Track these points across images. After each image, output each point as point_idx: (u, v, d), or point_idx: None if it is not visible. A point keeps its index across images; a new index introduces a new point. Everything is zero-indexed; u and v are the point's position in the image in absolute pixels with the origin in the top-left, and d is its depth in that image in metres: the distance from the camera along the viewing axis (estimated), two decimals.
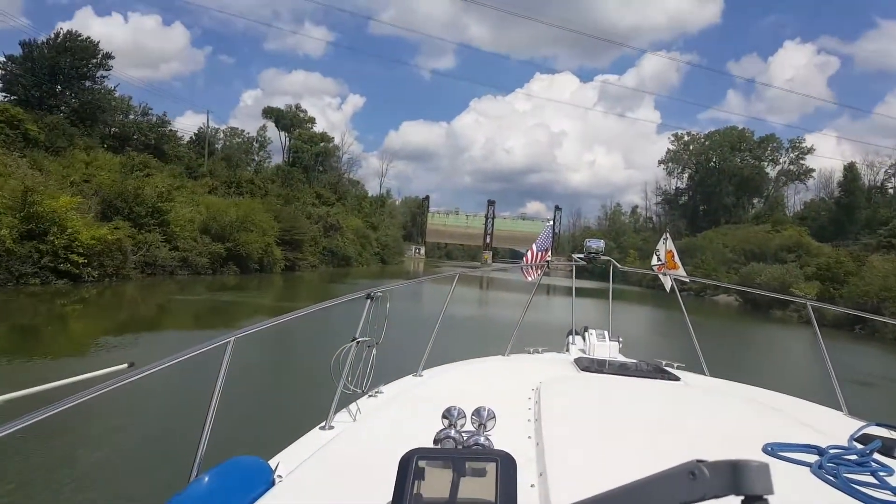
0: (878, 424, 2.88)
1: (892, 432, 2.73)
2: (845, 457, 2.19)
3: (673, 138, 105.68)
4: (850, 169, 79.98)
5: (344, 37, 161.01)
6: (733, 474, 0.62)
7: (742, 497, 0.62)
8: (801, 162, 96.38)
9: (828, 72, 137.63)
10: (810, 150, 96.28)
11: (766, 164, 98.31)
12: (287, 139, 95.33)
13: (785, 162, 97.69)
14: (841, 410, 3.57)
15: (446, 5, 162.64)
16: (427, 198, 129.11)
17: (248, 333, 2.56)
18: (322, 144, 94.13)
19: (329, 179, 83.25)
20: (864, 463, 2.16)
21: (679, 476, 0.65)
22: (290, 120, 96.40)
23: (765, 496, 0.62)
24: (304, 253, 51.02)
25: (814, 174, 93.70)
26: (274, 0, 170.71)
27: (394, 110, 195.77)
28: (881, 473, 2.06)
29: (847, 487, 1.91)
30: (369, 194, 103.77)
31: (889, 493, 1.90)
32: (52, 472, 7.04)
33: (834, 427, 2.81)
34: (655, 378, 3.86)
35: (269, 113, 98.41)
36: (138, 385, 2.20)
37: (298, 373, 12.98)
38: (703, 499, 0.63)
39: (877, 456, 2.27)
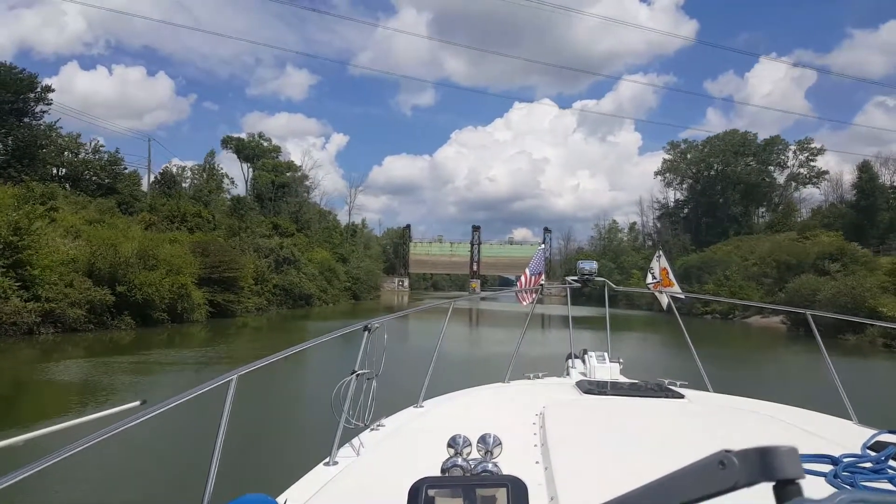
0: (890, 432, 2.84)
1: None
2: (860, 465, 2.20)
3: (668, 147, 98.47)
4: (865, 168, 72.24)
5: (325, 79, 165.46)
6: (763, 460, 0.61)
7: (773, 483, 0.62)
8: (812, 164, 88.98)
9: (804, 84, 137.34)
10: (821, 151, 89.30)
11: (773, 168, 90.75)
12: (250, 170, 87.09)
13: (794, 165, 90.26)
14: (850, 419, 3.57)
15: (423, 44, 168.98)
16: (408, 227, 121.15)
17: (250, 371, 2.62)
18: (289, 174, 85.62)
19: (289, 208, 73.73)
20: (880, 470, 2.17)
21: (709, 467, 0.64)
22: (252, 150, 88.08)
23: (796, 480, 0.61)
24: (238, 294, 40.65)
25: (827, 176, 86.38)
26: (255, 47, 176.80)
27: (377, 146, 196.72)
28: None
29: None
30: (342, 224, 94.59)
31: (890, 493, 1.90)
32: None
33: (845, 436, 2.83)
34: (659, 397, 3.91)
35: (228, 143, 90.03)
36: (146, 423, 2.14)
37: (300, 407, 13.59)
38: (735, 487, 0.62)
39: (892, 462, 2.27)
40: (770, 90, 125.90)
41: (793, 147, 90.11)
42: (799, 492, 0.61)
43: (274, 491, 2.21)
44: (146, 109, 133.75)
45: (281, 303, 50.42)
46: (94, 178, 59.00)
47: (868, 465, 2.20)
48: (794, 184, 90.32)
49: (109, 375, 17.16)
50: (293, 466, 2.85)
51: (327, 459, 2.76)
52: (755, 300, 42.59)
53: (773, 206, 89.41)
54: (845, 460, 2.19)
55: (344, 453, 2.83)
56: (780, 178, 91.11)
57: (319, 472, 2.62)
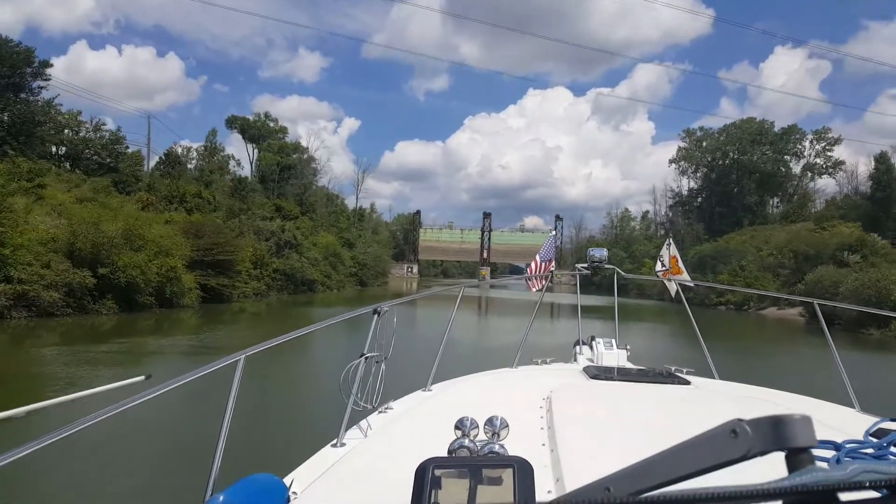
0: (892, 419, 2.85)
1: None
2: (862, 451, 2.22)
3: (684, 134, 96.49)
4: (882, 160, 70.16)
5: (338, 61, 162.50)
6: (775, 429, 0.61)
7: (786, 451, 0.62)
8: (829, 154, 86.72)
9: (819, 76, 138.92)
10: (838, 141, 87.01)
11: (788, 157, 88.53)
12: (255, 151, 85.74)
13: (810, 155, 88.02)
14: (853, 407, 3.64)
15: (437, 27, 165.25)
16: (418, 213, 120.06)
17: (258, 351, 2.61)
18: (295, 156, 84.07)
19: (294, 191, 72.29)
20: (882, 456, 2.19)
21: (721, 436, 0.64)
22: (258, 130, 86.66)
23: (809, 448, 0.61)
24: (233, 279, 38.97)
25: (844, 167, 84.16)
26: (267, 28, 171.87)
27: (389, 131, 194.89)
28: None
29: None
30: (350, 208, 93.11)
31: None
32: (66, 491, 7.20)
33: (847, 423, 2.90)
34: (665, 383, 3.91)
35: (233, 122, 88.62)
36: (150, 403, 2.16)
37: (308, 389, 13.64)
38: (747, 456, 0.62)
39: (894, 449, 2.29)
40: (784, 81, 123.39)
41: (810, 136, 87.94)
42: (811, 460, 0.61)
43: (281, 471, 2.21)
44: (156, 90, 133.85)
45: (282, 288, 48.86)
46: (94, 156, 57.84)
47: (870, 450, 2.23)
48: (809, 174, 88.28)
49: (67, 366, 15.79)
50: (300, 447, 2.92)
51: (335, 441, 2.77)
52: (772, 291, 40.94)
53: (788, 197, 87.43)
54: (848, 446, 2.21)
55: (351, 435, 2.84)
56: (796, 168, 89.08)
57: (327, 454, 2.64)
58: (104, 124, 60.46)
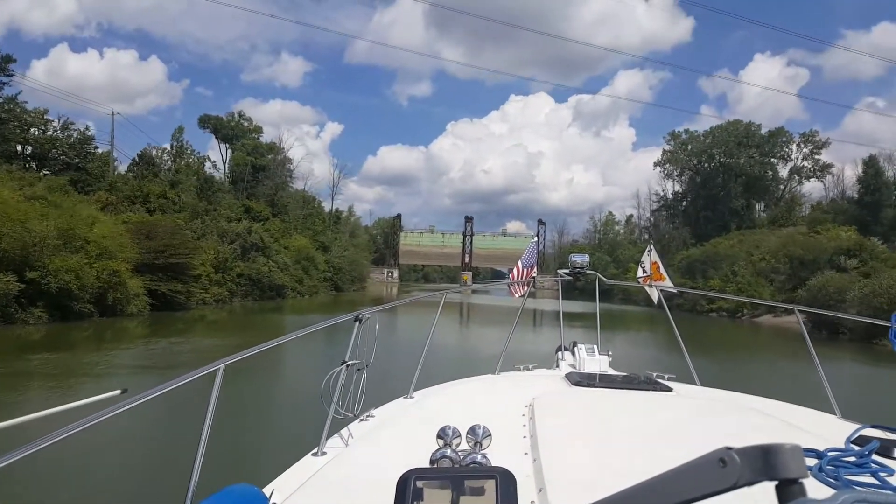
0: (872, 426, 2.88)
1: (888, 433, 2.75)
2: (844, 459, 2.22)
3: (669, 137, 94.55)
4: (870, 163, 69.34)
5: (321, 66, 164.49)
6: (765, 458, 0.59)
7: (776, 482, 0.60)
8: (817, 157, 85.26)
9: (797, 83, 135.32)
10: (825, 144, 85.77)
11: (775, 161, 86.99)
12: (228, 151, 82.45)
13: (797, 158, 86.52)
14: (834, 414, 3.66)
15: (420, 32, 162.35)
16: (399, 216, 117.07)
17: (237, 360, 2.57)
18: (270, 157, 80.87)
19: (266, 191, 69.20)
20: (863, 464, 2.19)
21: (709, 465, 0.62)
22: (231, 130, 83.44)
23: (800, 479, 0.59)
24: (188, 284, 35.65)
25: (832, 170, 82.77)
26: (250, 32, 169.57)
27: (372, 136, 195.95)
28: (882, 474, 2.12)
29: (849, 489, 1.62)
30: (327, 211, 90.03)
31: (891, 492, 1.92)
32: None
33: (829, 430, 2.90)
34: (647, 390, 3.89)
35: (206, 122, 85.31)
36: (130, 412, 2.12)
37: (288, 398, 13.21)
38: (736, 486, 0.60)
39: (875, 457, 2.29)
40: (762, 89, 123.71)
41: (797, 139, 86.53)
42: (803, 492, 0.59)
43: (261, 482, 2.19)
44: (138, 94, 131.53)
45: (247, 294, 45.71)
46: (62, 156, 55.02)
47: (851, 458, 2.23)
48: (797, 177, 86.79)
49: None
50: (281, 456, 2.86)
51: (315, 450, 2.73)
52: (766, 298, 38.73)
53: (775, 201, 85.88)
54: (829, 454, 2.22)
55: (332, 444, 2.82)
56: (783, 171, 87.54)
57: (307, 463, 2.61)
58: (72, 123, 57.42)
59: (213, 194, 53.58)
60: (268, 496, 1.89)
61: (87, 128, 58.65)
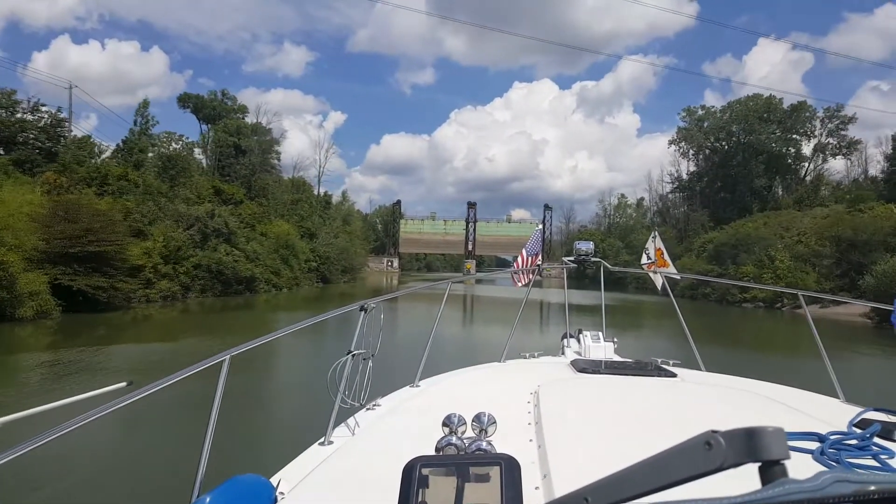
0: (875, 409, 2.85)
1: (891, 416, 2.71)
2: (846, 442, 2.22)
3: (684, 114, 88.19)
4: None
5: (323, 55, 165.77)
6: (749, 441, 0.62)
7: (759, 464, 0.62)
8: (843, 133, 78.78)
9: (802, 68, 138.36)
10: (852, 119, 78.96)
11: (798, 137, 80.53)
12: (210, 131, 76.65)
13: (821, 134, 79.98)
14: (838, 398, 3.59)
15: (422, 20, 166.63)
16: (398, 203, 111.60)
17: (243, 350, 2.59)
18: (255, 139, 75.02)
19: (242, 171, 63.35)
20: (865, 447, 2.19)
21: (695, 448, 0.64)
22: (213, 109, 77.67)
23: (782, 461, 0.62)
24: (112, 277, 28.46)
25: (859, 146, 76.38)
26: (252, 22, 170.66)
27: (375, 125, 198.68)
28: (883, 456, 2.12)
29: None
30: (317, 195, 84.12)
31: (872, 472, 1.78)
32: (52, 497, 7.11)
33: (832, 414, 2.86)
34: (652, 376, 3.90)
35: (185, 101, 79.58)
36: (135, 404, 2.15)
37: (294, 388, 13.37)
38: (721, 468, 0.62)
39: (877, 440, 2.28)
40: (767, 73, 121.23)
41: (820, 115, 79.99)
42: (784, 472, 0.61)
43: (268, 471, 2.19)
44: (140, 85, 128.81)
45: (205, 289, 39.40)
46: (33, 140, 50.11)
47: (853, 442, 2.24)
48: (821, 155, 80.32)
49: None
50: (287, 446, 2.84)
51: (322, 439, 2.74)
52: (810, 287, 32.84)
53: (798, 180, 79.56)
54: (832, 437, 2.22)
55: (339, 433, 2.81)
56: (806, 149, 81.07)
57: (314, 452, 2.61)
58: (44, 105, 52.16)
59: (177, 174, 47.47)
60: (275, 486, 1.89)
61: (58, 110, 53.99)
